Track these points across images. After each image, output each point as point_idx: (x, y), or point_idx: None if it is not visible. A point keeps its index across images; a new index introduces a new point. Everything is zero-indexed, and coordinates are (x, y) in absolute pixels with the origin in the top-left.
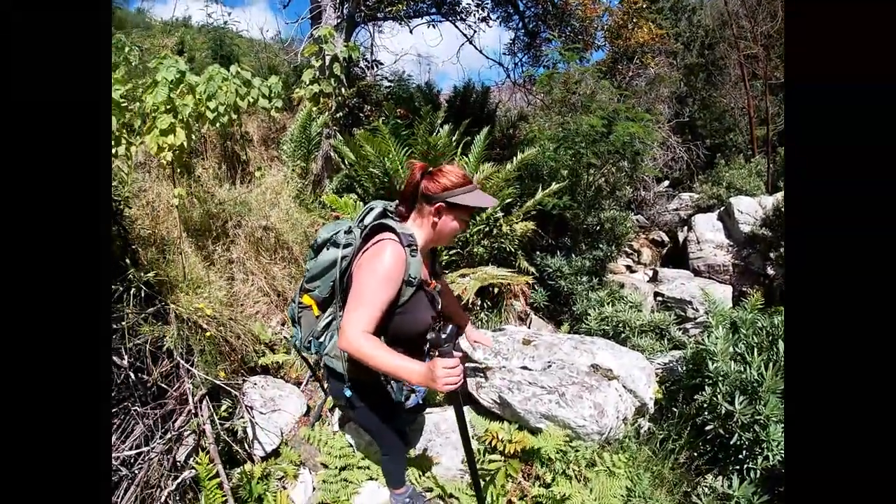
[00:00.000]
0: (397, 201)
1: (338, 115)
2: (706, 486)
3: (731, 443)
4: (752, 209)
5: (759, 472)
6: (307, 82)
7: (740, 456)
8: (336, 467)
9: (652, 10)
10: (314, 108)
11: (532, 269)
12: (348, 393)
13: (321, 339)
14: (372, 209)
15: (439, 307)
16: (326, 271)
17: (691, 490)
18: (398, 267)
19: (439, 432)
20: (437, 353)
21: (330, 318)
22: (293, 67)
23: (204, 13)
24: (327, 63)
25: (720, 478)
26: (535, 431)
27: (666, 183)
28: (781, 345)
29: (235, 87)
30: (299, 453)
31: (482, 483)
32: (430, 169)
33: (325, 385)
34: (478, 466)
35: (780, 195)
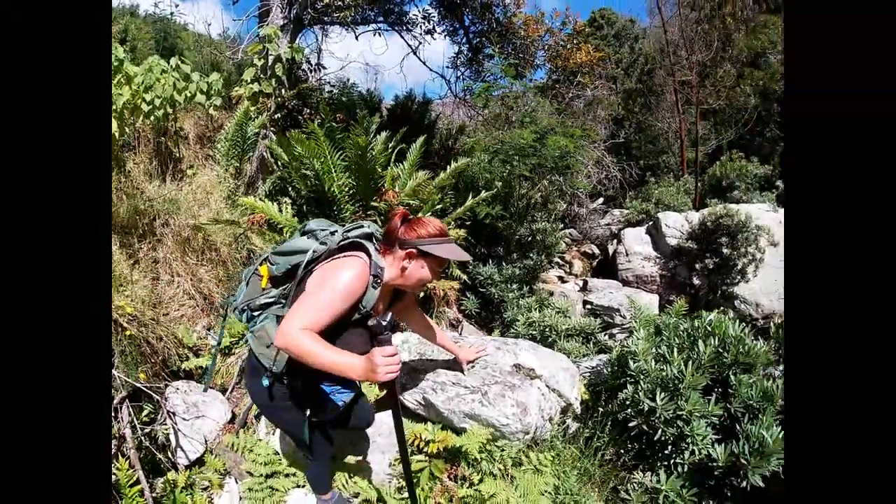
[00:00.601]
0: (371, 233)
1: (276, 115)
2: (635, 482)
3: (656, 438)
4: (678, 224)
5: (686, 466)
6: (248, 81)
7: (666, 451)
8: (262, 475)
9: (597, 36)
10: (252, 108)
11: (464, 277)
12: (266, 382)
13: (255, 314)
14: (361, 227)
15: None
16: (293, 254)
17: (619, 486)
18: (359, 287)
19: (365, 437)
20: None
21: (273, 299)
22: (236, 66)
23: (151, 2)
24: (270, 63)
25: (648, 473)
26: (459, 431)
27: (601, 200)
28: (701, 345)
29: (174, 81)
30: (224, 461)
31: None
32: (410, 217)
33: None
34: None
35: (705, 210)
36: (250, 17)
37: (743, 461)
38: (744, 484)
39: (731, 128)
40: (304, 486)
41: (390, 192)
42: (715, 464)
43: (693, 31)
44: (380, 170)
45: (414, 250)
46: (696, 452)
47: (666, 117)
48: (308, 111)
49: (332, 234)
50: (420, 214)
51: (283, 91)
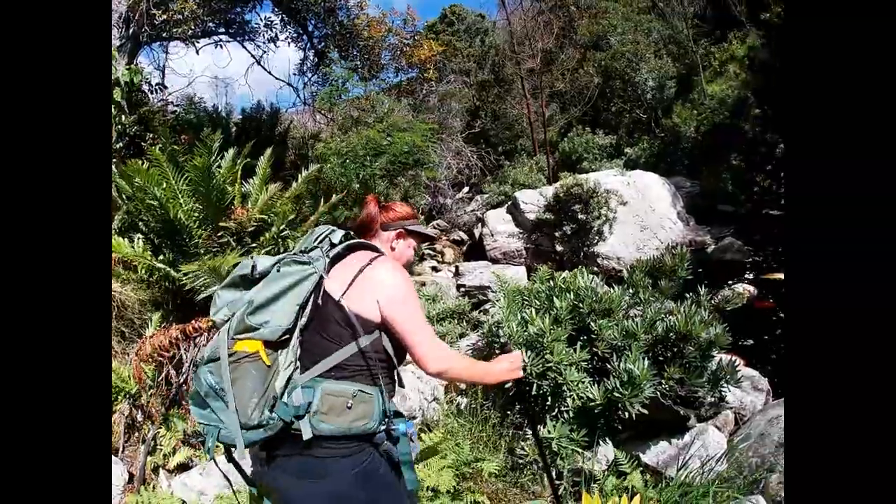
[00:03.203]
0: (350, 231)
1: (118, 145)
2: (527, 437)
3: (534, 393)
4: (535, 199)
5: (570, 412)
6: None
7: (548, 403)
8: None
9: (448, 32)
10: None
11: None
12: (359, 461)
13: (289, 400)
14: (333, 231)
15: None
16: (286, 293)
17: (514, 444)
18: None
19: None
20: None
21: (292, 366)
22: None
23: None
24: None
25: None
26: None
27: (466, 189)
28: (557, 301)
29: None
30: None
31: None
32: (383, 203)
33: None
34: None
35: (558, 184)
36: None
37: (617, 395)
38: (626, 415)
39: (577, 106)
40: None
41: (239, 209)
42: (594, 403)
43: (536, 21)
44: (228, 188)
45: (402, 230)
46: (576, 398)
47: (518, 104)
48: (151, 136)
49: (306, 251)
50: (274, 227)
51: (123, 118)
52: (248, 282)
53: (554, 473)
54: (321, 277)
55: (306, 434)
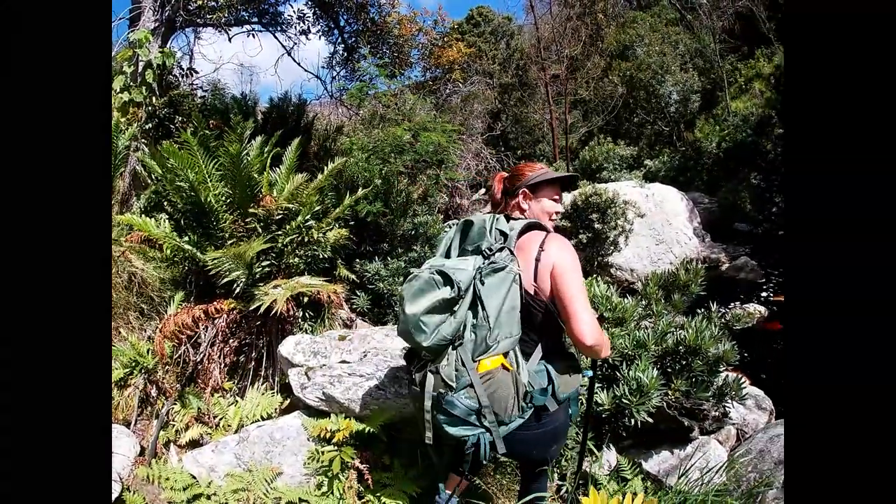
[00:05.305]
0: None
1: (147, 126)
2: None
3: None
4: None
5: (579, 415)
6: (117, 90)
7: None
8: (183, 500)
9: (474, 33)
10: (122, 119)
11: (352, 276)
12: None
13: (535, 387)
14: (497, 219)
15: None
16: (505, 302)
17: None
18: None
19: (275, 441)
20: None
21: (523, 362)
22: None
23: None
24: (140, 69)
25: None
26: (362, 419)
27: (483, 191)
28: None
29: None
30: (143, 496)
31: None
32: (509, 174)
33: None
34: (318, 462)
35: (576, 191)
36: (122, 20)
37: (625, 402)
38: (632, 422)
39: (599, 115)
40: None
41: (268, 197)
42: (602, 408)
43: (564, 27)
44: (256, 176)
45: (525, 189)
46: (583, 402)
47: (540, 109)
48: (180, 119)
49: (497, 251)
50: (300, 217)
51: (153, 99)
52: (452, 302)
53: (558, 475)
54: (519, 276)
55: (553, 408)
